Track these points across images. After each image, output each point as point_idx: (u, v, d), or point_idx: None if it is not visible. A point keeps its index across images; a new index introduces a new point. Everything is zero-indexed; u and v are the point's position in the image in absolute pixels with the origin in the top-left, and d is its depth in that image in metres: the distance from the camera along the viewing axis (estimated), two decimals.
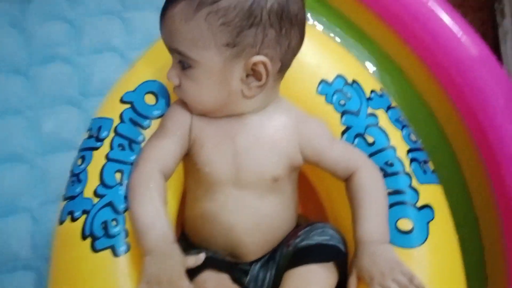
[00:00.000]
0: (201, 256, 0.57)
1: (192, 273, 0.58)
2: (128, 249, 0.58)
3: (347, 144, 0.67)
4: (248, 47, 0.56)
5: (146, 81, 0.68)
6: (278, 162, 0.63)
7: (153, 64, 0.70)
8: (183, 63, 0.59)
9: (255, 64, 0.56)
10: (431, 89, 0.86)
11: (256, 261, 0.67)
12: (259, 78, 0.58)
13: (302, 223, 0.69)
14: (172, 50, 0.59)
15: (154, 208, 0.57)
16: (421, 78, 0.88)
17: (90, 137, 0.66)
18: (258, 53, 0.56)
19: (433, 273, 0.60)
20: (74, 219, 0.60)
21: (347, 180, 0.65)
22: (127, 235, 0.58)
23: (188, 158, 0.65)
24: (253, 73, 0.58)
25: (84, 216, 0.59)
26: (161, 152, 0.61)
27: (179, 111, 0.64)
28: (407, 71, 0.90)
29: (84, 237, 0.58)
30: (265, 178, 0.62)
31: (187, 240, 0.69)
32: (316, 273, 0.59)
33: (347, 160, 0.64)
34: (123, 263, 0.57)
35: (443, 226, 0.65)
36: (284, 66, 0.60)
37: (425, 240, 0.62)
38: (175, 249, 0.56)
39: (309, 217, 0.79)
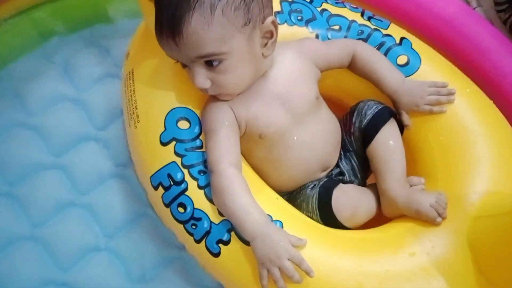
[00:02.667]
0: (305, 241, 0.65)
1: (325, 199, 0.72)
2: None
3: (336, 39, 0.81)
4: (257, 16, 0.64)
5: (167, 115, 0.72)
6: (311, 83, 0.76)
7: (154, 103, 0.74)
8: (210, 63, 0.64)
9: (268, 25, 0.66)
10: None
11: (339, 161, 0.82)
12: (272, 36, 0.67)
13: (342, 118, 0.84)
14: (200, 57, 0.64)
15: (244, 199, 0.66)
16: None
17: (167, 188, 0.71)
18: (265, 17, 0.65)
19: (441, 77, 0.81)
20: (227, 243, 0.67)
21: (352, 61, 0.81)
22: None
23: (247, 139, 0.74)
24: (267, 34, 0.67)
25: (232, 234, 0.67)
26: (224, 150, 0.69)
27: (215, 109, 0.71)
28: None
29: None
30: (311, 100, 0.75)
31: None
32: (389, 131, 0.77)
33: (345, 48, 0.80)
34: None
35: (421, 44, 0.84)
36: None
37: (420, 59, 0.82)
38: (273, 227, 0.65)
39: None
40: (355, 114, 0.80)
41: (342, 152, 0.83)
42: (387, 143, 0.76)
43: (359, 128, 0.78)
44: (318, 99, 0.77)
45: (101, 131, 0.95)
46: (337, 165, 0.82)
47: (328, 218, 0.72)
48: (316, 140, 0.77)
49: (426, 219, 0.70)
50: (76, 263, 0.84)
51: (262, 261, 0.62)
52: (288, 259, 0.62)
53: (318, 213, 0.73)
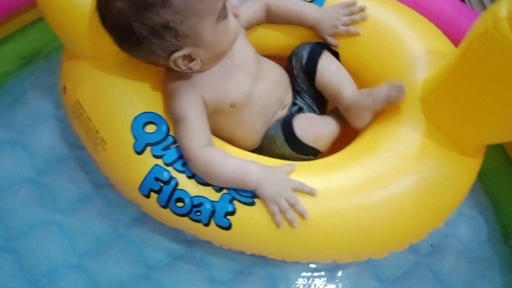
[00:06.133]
0: (294, 164, 0.75)
1: (289, 130, 0.80)
2: None
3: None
4: None
5: (131, 125, 0.74)
6: (247, 41, 0.84)
7: (114, 120, 0.76)
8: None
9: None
10: None
11: (294, 99, 0.90)
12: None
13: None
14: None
15: (232, 162, 0.72)
16: None
17: (159, 191, 0.73)
18: None
19: None
20: (233, 213, 0.72)
21: (268, 12, 0.87)
22: None
23: (218, 114, 0.78)
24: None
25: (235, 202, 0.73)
26: (196, 134, 0.72)
27: (182, 97, 0.73)
28: None
29: None
30: (254, 55, 0.82)
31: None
32: (326, 59, 0.84)
33: (256, 3, 0.87)
34: None
35: None
36: None
37: None
38: (268, 167, 0.73)
39: None
40: (293, 59, 0.87)
41: (295, 95, 0.90)
42: (329, 68, 0.84)
43: (301, 69, 0.86)
44: (256, 53, 0.83)
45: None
46: (294, 103, 0.89)
47: (297, 145, 0.80)
48: (272, 85, 0.83)
49: (396, 96, 0.75)
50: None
51: (272, 197, 0.70)
52: (292, 189, 0.70)
53: (287, 144, 0.81)
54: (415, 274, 0.86)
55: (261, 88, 0.81)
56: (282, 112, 0.87)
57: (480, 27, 0.60)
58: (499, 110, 0.65)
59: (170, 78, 0.76)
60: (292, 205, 0.70)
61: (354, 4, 0.86)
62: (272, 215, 0.71)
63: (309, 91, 0.88)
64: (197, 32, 0.66)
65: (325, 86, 0.84)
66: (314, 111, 0.90)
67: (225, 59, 0.76)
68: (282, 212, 0.70)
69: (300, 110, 0.89)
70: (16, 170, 0.92)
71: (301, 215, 0.70)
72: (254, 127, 0.84)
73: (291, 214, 0.70)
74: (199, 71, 0.74)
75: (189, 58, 0.70)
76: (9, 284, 0.83)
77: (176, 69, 0.70)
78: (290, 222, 0.70)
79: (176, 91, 0.74)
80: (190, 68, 0.71)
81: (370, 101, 0.79)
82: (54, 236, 0.86)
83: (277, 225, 0.71)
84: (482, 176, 0.96)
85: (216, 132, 0.81)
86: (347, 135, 0.87)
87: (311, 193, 0.71)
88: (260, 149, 0.86)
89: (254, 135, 0.85)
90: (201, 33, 0.67)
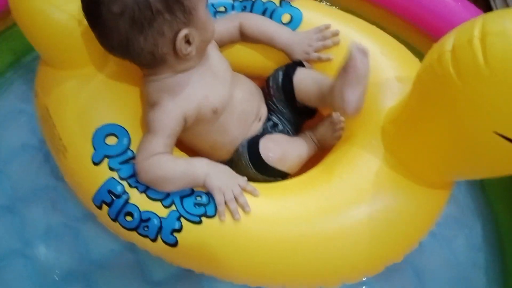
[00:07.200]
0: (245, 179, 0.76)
1: (254, 148, 0.80)
2: None
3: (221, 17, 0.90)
4: None
5: (93, 136, 0.75)
6: (220, 54, 0.84)
7: (76, 129, 0.77)
8: None
9: None
10: None
11: (269, 115, 0.89)
12: None
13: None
14: None
15: (179, 163, 0.73)
16: None
17: (110, 204, 0.74)
18: None
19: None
20: (180, 230, 0.72)
21: (241, 30, 0.88)
22: None
23: (201, 124, 0.79)
24: None
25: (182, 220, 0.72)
26: (155, 149, 0.73)
27: (164, 114, 0.74)
28: None
29: None
30: (229, 66, 0.83)
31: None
32: (302, 70, 0.84)
33: (230, 21, 0.88)
34: None
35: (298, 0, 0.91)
36: None
37: (301, 12, 0.89)
38: (217, 163, 0.75)
39: None
40: (271, 79, 0.87)
41: (270, 112, 0.89)
42: (304, 75, 0.83)
43: (278, 88, 0.85)
44: (229, 66, 0.84)
45: None
46: (269, 119, 0.89)
47: (260, 165, 0.79)
48: (247, 94, 0.84)
49: (356, 55, 0.70)
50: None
51: (219, 187, 0.72)
52: (237, 183, 0.73)
53: (250, 164, 0.80)
54: (397, 270, 0.84)
55: (238, 95, 0.82)
56: (258, 125, 0.86)
57: (427, 59, 0.58)
58: (449, 147, 0.61)
59: (153, 88, 0.76)
60: (236, 197, 0.71)
61: (327, 28, 0.85)
62: (218, 205, 0.71)
63: (283, 111, 0.88)
64: (197, 10, 0.70)
65: (306, 93, 0.82)
66: (287, 132, 0.89)
67: (202, 68, 0.78)
68: (227, 201, 0.71)
69: (275, 125, 0.88)
70: None
71: (243, 207, 0.71)
72: (233, 134, 0.84)
73: (234, 205, 0.71)
74: (186, 69, 0.75)
75: (188, 41, 0.72)
76: None
77: (179, 54, 0.71)
78: (232, 213, 0.71)
79: (159, 104, 0.75)
80: (189, 54, 0.72)
81: (342, 74, 0.73)
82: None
83: (220, 216, 0.71)
84: (485, 188, 0.97)
85: (198, 142, 0.83)
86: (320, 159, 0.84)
87: (252, 192, 0.73)
88: (231, 164, 0.84)
89: (231, 142, 0.84)
90: (198, 12, 0.71)
